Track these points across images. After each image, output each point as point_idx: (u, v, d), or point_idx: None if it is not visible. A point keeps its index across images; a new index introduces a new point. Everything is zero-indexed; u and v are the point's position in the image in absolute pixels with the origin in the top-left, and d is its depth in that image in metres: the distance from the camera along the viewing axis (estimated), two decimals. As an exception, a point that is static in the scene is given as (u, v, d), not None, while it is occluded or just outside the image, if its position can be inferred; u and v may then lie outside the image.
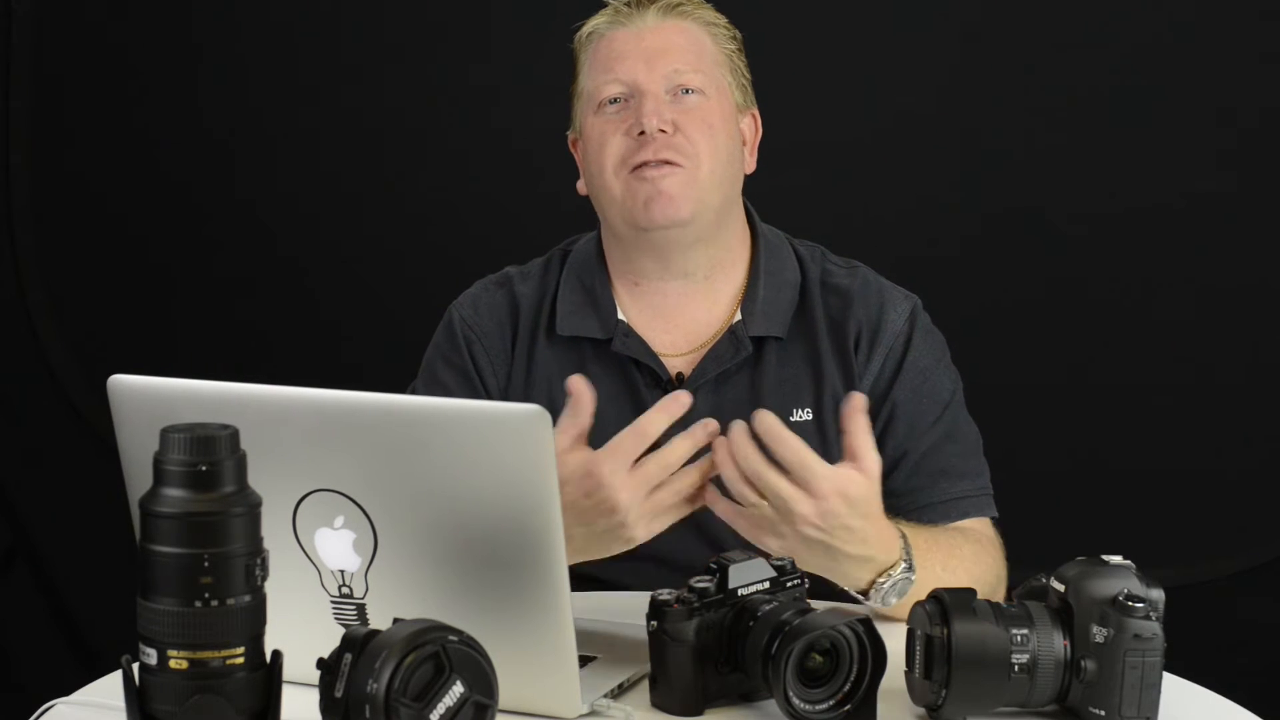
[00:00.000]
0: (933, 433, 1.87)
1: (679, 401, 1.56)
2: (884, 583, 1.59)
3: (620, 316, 1.91)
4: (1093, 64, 2.91)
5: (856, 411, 1.54)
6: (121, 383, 1.38)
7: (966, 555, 1.73)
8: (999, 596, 1.76)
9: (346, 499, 1.35)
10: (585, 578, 1.64)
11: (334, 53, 3.08)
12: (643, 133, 1.83)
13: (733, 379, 1.89)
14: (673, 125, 1.84)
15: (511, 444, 1.30)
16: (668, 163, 1.83)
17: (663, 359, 1.90)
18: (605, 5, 1.94)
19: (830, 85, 2.89)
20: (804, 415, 1.86)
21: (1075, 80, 2.91)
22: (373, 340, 3.06)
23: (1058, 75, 2.91)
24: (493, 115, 3.03)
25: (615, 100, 1.87)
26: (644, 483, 1.54)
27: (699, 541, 1.77)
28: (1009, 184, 2.94)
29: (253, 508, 1.17)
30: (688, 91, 1.86)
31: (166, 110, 3.13)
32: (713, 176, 1.86)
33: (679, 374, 1.89)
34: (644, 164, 1.83)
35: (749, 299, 1.91)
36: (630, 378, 1.90)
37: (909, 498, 1.84)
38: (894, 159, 2.95)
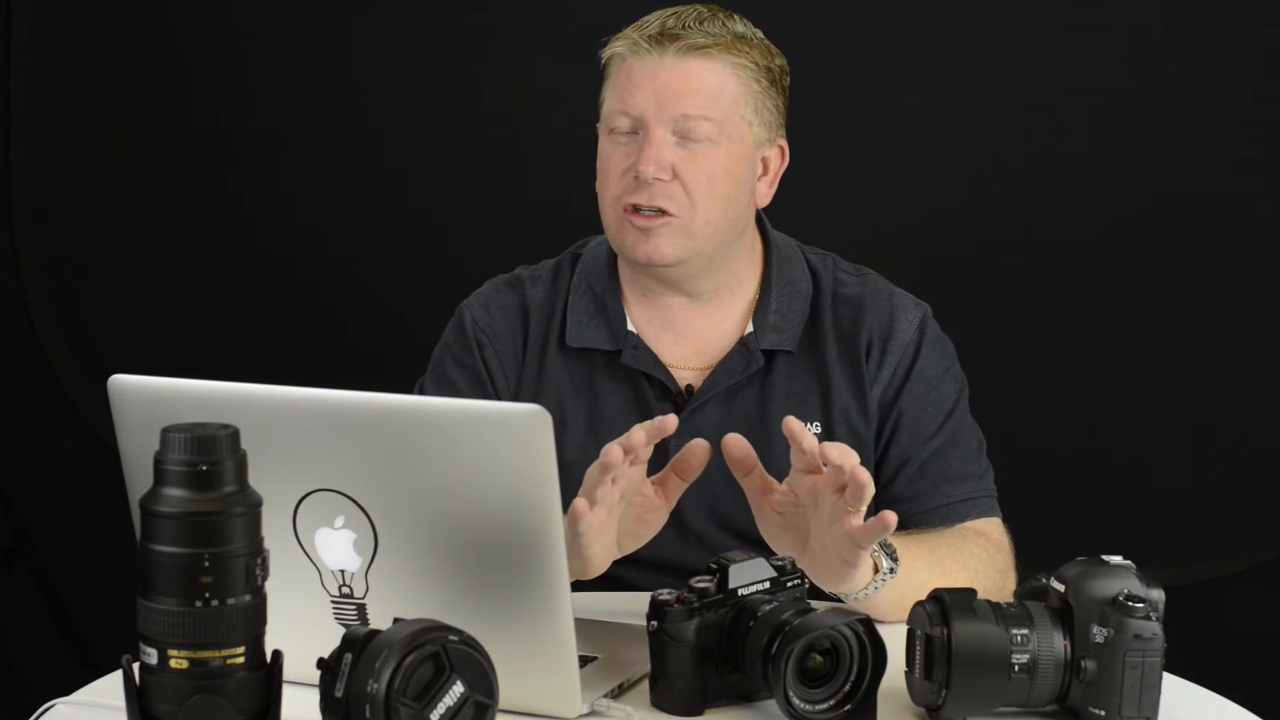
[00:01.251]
0: (936, 439, 1.87)
1: (665, 424, 1.52)
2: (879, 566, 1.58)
3: (630, 327, 1.90)
4: (1092, 67, 2.90)
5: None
6: (121, 383, 1.38)
7: (947, 554, 1.73)
8: (1002, 596, 1.76)
9: (346, 499, 1.35)
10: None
11: (337, 52, 3.08)
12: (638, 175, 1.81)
13: (741, 392, 1.88)
14: (671, 172, 1.80)
15: (511, 444, 1.30)
16: (662, 211, 1.81)
17: (672, 371, 1.88)
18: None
19: (834, 91, 2.89)
20: (813, 428, 1.84)
21: (1076, 83, 2.91)
22: (375, 340, 3.06)
23: (1057, 78, 2.91)
24: (498, 114, 3.03)
25: (626, 128, 1.84)
26: (593, 485, 1.50)
27: (700, 551, 1.77)
28: (1011, 186, 2.94)
29: (253, 508, 1.17)
30: (696, 136, 1.82)
31: (167, 110, 3.12)
32: (707, 227, 1.82)
33: (688, 386, 1.88)
34: (637, 207, 1.82)
35: (761, 311, 1.89)
36: (640, 390, 1.88)
37: (911, 502, 1.85)
38: (895, 163, 2.95)
